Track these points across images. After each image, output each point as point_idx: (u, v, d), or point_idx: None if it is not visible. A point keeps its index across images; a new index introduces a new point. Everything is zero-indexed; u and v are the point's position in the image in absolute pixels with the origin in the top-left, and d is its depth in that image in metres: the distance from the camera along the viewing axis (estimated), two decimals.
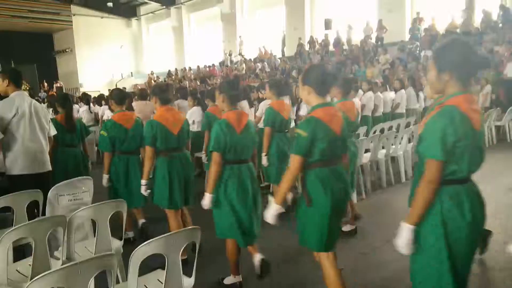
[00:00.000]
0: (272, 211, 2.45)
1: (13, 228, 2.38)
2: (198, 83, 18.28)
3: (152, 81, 21.79)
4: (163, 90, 3.58)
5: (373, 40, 15.27)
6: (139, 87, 15.65)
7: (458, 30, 12.85)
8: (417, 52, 13.34)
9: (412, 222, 1.91)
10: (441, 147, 1.82)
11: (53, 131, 3.93)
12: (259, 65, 17.76)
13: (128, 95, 4.88)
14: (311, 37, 17.63)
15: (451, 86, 1.93)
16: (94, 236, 2.76)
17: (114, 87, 23.14)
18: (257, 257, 3.08)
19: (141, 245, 2.02)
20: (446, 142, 1.82)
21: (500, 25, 12.26)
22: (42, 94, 20.54)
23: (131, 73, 25.84)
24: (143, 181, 3.54)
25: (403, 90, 8.34)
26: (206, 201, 2.95)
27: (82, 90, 21.84)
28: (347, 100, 4.15)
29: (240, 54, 20.08)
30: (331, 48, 16.62)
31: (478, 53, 1.93)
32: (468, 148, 1.86)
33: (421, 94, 8.70)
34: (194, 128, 6.19)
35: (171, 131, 3.49)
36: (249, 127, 3.03)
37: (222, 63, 20.41)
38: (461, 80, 1.92)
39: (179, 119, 3.59)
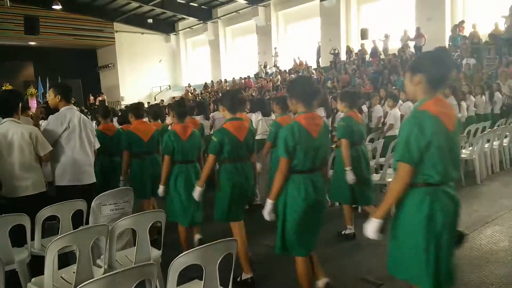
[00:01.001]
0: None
1: (59, 236, 2.49)
2: None
3: (189, 93, 22.29)
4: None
5: (412, 49, 14.93)
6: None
7: (502, 37, 12.36)
8: (458, 60, 12.90)
9: (379, 216, 2.18)
10: (407, 150, 2.03)
11: (98, 144, 4.12)
12: (294, 76, 17.76)
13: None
14: (348, 46, 17.48)
15: (422, 91, 2.11)
16: (135, 245, 2.84)
17: (153, 99, 23.99)
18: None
19: (179, 255, 2.05)
20: (411, 145, 2.01)
21: None
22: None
23: (169, 86, 26.57)
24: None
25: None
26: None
27: (123, 103, 22.70)
28: (352, 110, 4.34)
29: (275, 65, 20.21)
30: (367, 58, 16.41)
31: (446, 61, 2.16)
32: (443, 149, 2.03)
33: (463, 104, 8.38)
34: None
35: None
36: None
37: (257, 75, 20.59)
38: (432, 84, 2.10)
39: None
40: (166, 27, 26.69)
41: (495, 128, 7.32)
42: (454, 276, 2.17)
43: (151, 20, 24.61)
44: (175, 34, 27.21)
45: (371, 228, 2.20)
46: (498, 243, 3.84)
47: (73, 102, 4.16)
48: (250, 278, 3.43)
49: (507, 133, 7.23)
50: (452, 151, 2.08)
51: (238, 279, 3.39)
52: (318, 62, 18.68)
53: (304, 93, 2.76)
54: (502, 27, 12.76)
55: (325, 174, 3.00)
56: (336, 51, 17.45)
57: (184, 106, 4.06)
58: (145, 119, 5.05)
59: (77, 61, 24.25)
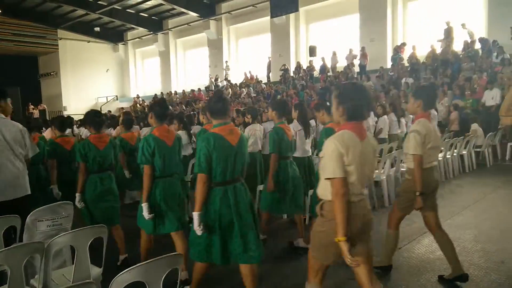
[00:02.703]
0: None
1: None
2: (184, 107, 18.32)
3: (138, 104, 21.77)
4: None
5: (357, 67, 15.66)
6: (124, 111, 15.55)
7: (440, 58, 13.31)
8: (398, 79, 13.70)
9: (197, 209, 2.85)
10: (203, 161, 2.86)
11: (32, 152, 3.70)
12: (245, 90, 17.95)
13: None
14: (298, 63, 17.99)
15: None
16: (73, 263, 2.68)
17: (99, 110, 23.12)
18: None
19: (121, 272, 1.97)
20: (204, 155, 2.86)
21: (480, 54, 12.74)
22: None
23: (116, 96, 25.80)
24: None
25: (385, 116, 8.51)
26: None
27: (65, 113, 21.67)
28: (283, 123, 4.44)
29: (226, 78, 20.31)
30: (315, 74, 16.97)
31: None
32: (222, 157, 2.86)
33: (402, 120, 8.88)
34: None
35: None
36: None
37: (207, 88, 20.58)
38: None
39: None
40: (114, 36, 26.01)
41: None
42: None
43: (99, 28, 23.88)
44: (123, 44, 26.59)
45: (195, 222, 2.84)
46: (435, 252, 4.05)
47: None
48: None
49: (442, 148, 7.74)
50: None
51: None
52: (268, 77, 19.03)
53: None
54: (438, 49, 13.77)
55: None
56: (286, 67, 17.90)
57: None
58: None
59: (17, 68, 22.86)
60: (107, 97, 25.31)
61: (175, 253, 2.18)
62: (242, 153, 2.99)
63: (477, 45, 13.13)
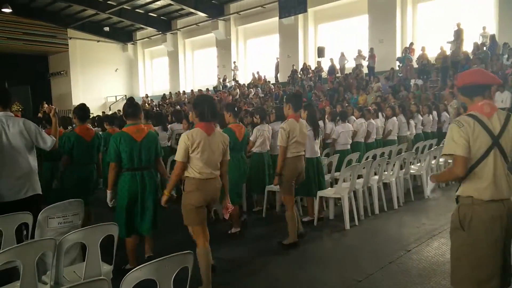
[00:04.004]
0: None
1: (1, 251, 2.33)
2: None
3: (146, 104, 21.88)
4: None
5: (365, 68, 15.59)
6: None
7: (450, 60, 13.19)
8: (405, 80, 13.62)
9: (109, 188, 3.76)
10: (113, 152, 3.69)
11: (49, 143, 3.64)
12: (253, 90, 17.96)
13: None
14: (304, 63, 17.96)
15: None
16: (84, 260, 2.71)
17: (108, 109, 23.28)
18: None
19: (132, 270, 1.98)
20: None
21: (490, 56, 12.62)
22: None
23: (125, 96, 25.95)
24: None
25: (394, 118, 8.46)
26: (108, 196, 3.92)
27: None
28: (237, 123, 5.15)
29: (234, 79, 20.34)
30: (324, 75, 16.93)
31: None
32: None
33: (411, 122, 8.82)
34: None
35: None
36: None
37: (215, 88, 20.62)
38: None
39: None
40: (124, 36, 26.17)
41: (441, 145, 7.75)
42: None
43: (108, 28, 24.04)
44: (132, 44, 26.73)
45: (108, 197, 3.81)
46: (444, 255, 4.02)
47: (21, 109, 3.88)
48: None
49: None
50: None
51: None
52: (276, 77, 19.03)
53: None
54: (448, 51, 13.66)
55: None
56: (294, 68, 17.90)
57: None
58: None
59: (27, 67, 23.11)
60: (116, 96, 25.47)
61: (186, 251, 2.19)
62: (147, 147, 3.78)
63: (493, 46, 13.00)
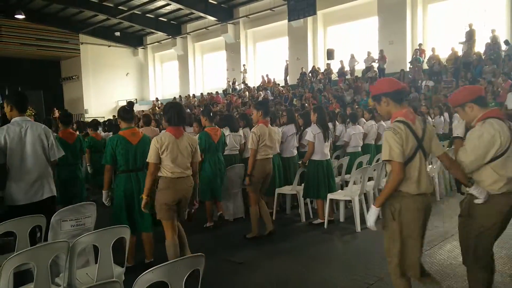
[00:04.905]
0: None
1: (16, 253, 2.36)
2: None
3: (157, 107, 22.03)
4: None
5: (375, 70, 15.50)
6: (144, 113, 15.76)
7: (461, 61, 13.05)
8: (419, 82, 13.50)
9: (105, 189, 3.98)
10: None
11: (59, 154, 3.79)
12: (262, 93, 17.98)
13: None
14: (313, 66, 17.93)
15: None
16: (96, 263, 2.73)
17: None
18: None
19: (144, 272, 2.00)
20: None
21: (503, 57, 12.45)
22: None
23: (136, 99, 26.18)
24: None
25: None
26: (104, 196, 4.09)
27: (87, 116, 22.08)
28: (212, 126, 5.40)
29: (243, 82, 20.38)
30: (333, 77, 16.87)
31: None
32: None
33: None
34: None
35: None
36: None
37: (225, 91, 20.69)
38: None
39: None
40: (134, 40, 26.43)
41: (453, 147, 7.64)
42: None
43: (119, 33, 24.30)
44: (143, 48, 26.98)
45: (104, 196, 4.01)
46: (457, 258, 3.97)
47: (34, 113, 3.98)
48: None
49: None
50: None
51: None
52: (286, 80, 19.02)
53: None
54: (460, 52, 13.51)
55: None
56: (303, 71, 17.88)
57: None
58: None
59: (40, 72, 23.50)
60: (126, 100, 25.69)
61: (197, 254, 2.20)
62: (142, 150, 3.92)
63: (502, 47, 12.84)
